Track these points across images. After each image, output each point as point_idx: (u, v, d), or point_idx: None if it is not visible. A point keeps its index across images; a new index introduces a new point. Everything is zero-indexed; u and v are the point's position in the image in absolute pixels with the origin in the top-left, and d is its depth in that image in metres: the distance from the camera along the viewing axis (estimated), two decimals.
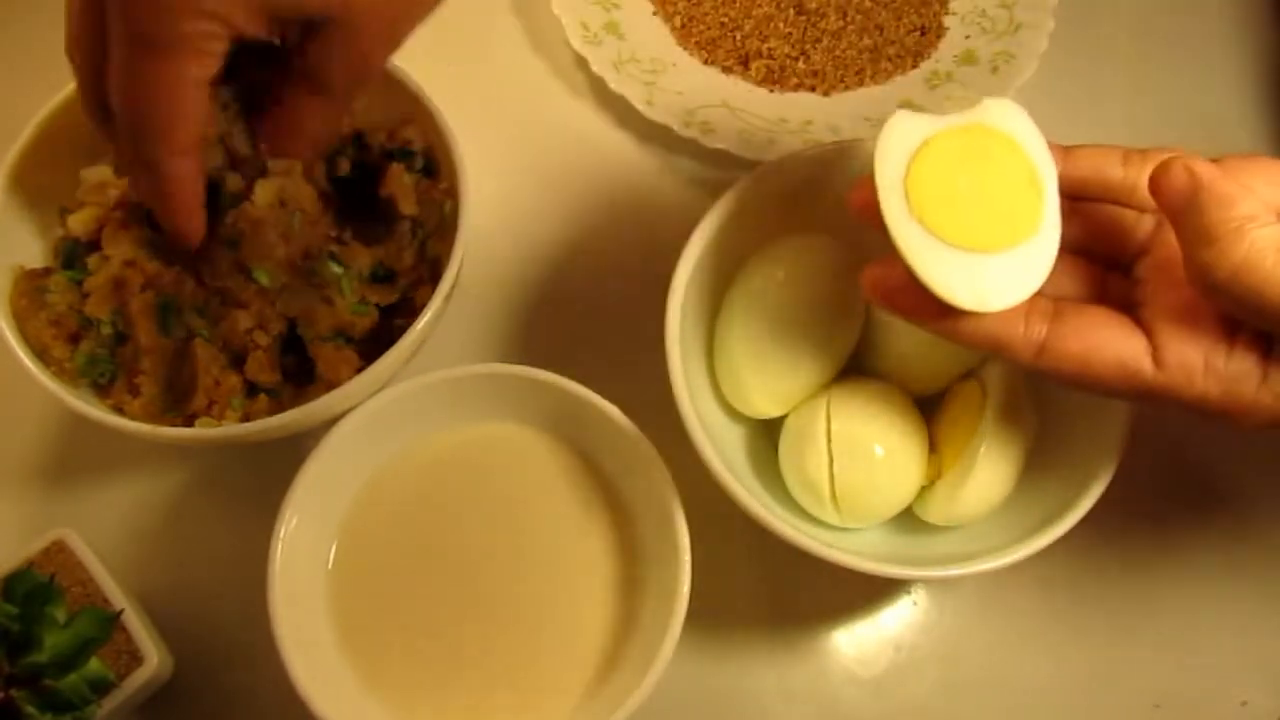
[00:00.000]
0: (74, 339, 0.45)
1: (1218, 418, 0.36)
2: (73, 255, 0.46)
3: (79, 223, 0.46)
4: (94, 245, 0.46)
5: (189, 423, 0.44)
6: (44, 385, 0.43)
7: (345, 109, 0.39)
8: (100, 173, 0.47)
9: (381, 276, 0.46)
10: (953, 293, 0.35)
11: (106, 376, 0.45)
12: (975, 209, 0.36)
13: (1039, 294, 0.36)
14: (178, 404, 0.45)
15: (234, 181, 0.43)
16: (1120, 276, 0.39)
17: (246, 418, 0.44)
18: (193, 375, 0.44)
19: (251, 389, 0.45)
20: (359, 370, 0.44)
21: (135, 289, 0.44)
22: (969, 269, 0.35)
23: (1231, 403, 0.35)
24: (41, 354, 0.44)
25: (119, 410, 0.44)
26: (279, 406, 0.44)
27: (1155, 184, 0.36)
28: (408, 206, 0.46)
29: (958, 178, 0.36)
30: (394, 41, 0.37)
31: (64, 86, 0.46)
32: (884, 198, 0.36)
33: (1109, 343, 0.36)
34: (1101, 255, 0.40)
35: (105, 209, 0.46)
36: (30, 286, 0.45)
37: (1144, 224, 0.39)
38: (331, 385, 0.44)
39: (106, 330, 0.45)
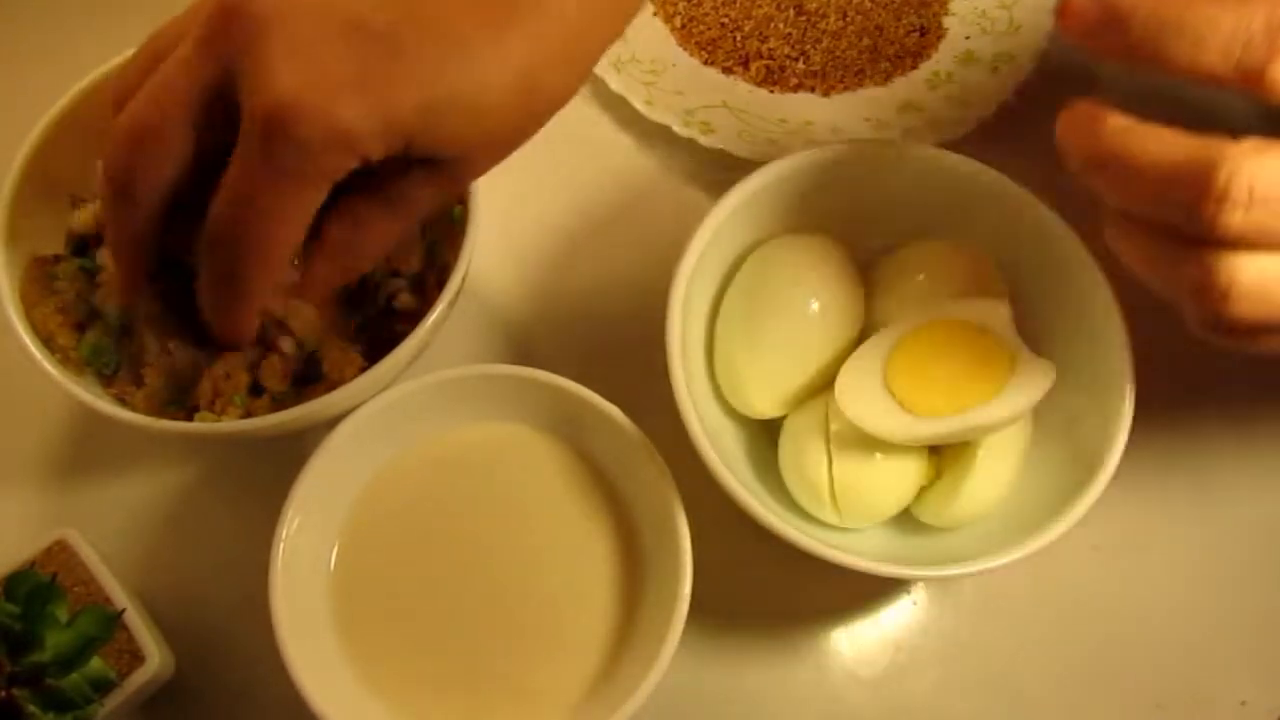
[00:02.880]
0: (80, 328, 0.45)
1: None
2: (84, 244, 0.47)
3: (80, 221, 0.46)
4: (100, 240, 0.46)
5: (190, 416, 0.44)
6: (47, 372, 0.43)
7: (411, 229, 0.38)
8: None
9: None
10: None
11: (111, 367, 0.45)
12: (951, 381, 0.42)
13: None
14: (181, 396, 0.45)
15: None
16: None
17: (248, 414, 0.44)
18: (199, 368, 0.44)
19: (255, 387, 0.45)
20: (362, 371, 0.44)
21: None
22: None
23: None
24: (47, 341, 0.44)
25: (122, 400, 0.45)
26: (280, 405, 0.44)
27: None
28: None
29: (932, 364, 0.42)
30: (484, 172, 0.37)
31: (86, 75, 0.46)
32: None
33: None
34: None
35: None
36: (41, 273, 0.45)
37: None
38: (334, 385, 0.44)
39: (113, 322, 0.45)
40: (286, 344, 0.44)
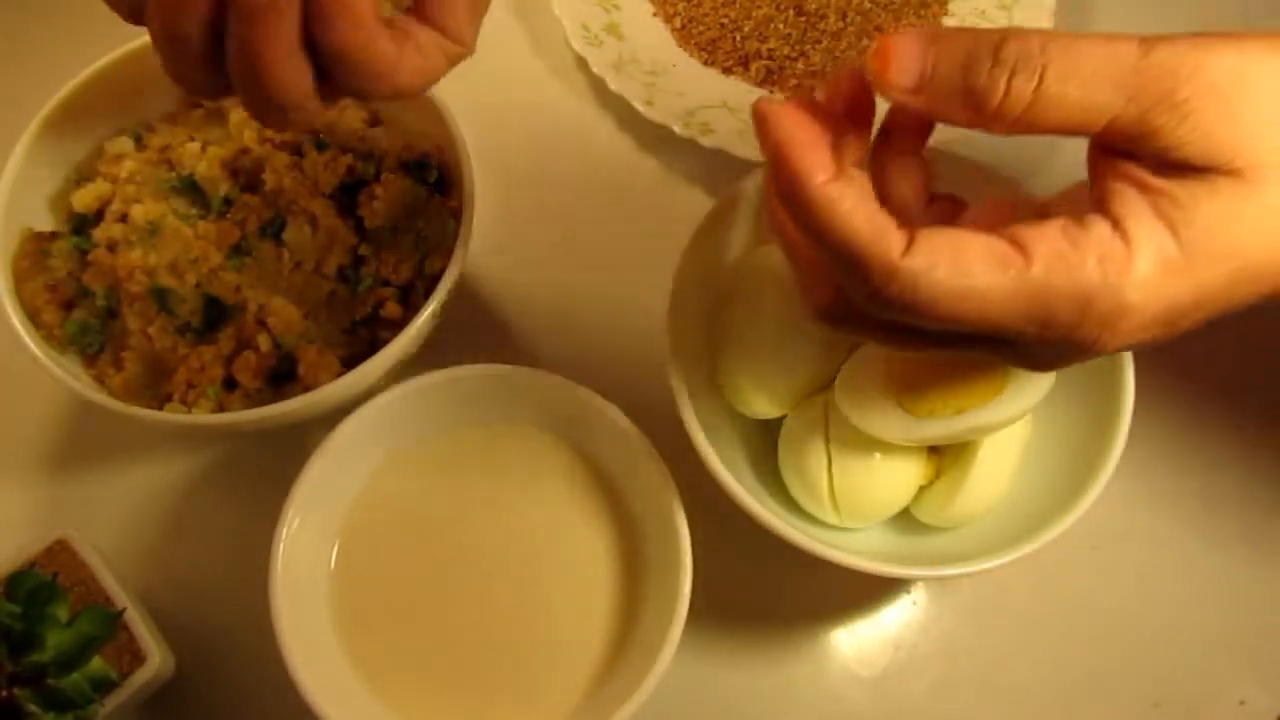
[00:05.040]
0: (67, 306, 0.45)
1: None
2: (82, 223, 0.47)
3: (81, 199, 0.47)
4: (100, 217, 0.46)
5: (162, 405, 0.44)
6: (27, 347, 0.43)
7: None
8: (121, 144, 0.48)
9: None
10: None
11: (95, 347, 0.45)
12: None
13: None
14: (157, 384, 0.45)
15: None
16: None
17: (220, 408, 0.44)
18: (178, 355, 0.44)
19: (230, 381, 0.45)
20: (339, 376, 0.44)
21: (132, 272, 0.44)
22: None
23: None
24: (33, 317, 0.44)
25: (100, 382, 0.44)
26: (253, 401, 0.44)
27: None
28: (372, 219, 0.46)
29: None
30: None
31: (99, 57, 0.47)
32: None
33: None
34: None
35: (115, 183, 0.47)
36: (35, 249, 0.46)
37: None
38: (309, 387, 0.43)
39: (101, 302, 0.45)
40: (263, 341, 0.44)
